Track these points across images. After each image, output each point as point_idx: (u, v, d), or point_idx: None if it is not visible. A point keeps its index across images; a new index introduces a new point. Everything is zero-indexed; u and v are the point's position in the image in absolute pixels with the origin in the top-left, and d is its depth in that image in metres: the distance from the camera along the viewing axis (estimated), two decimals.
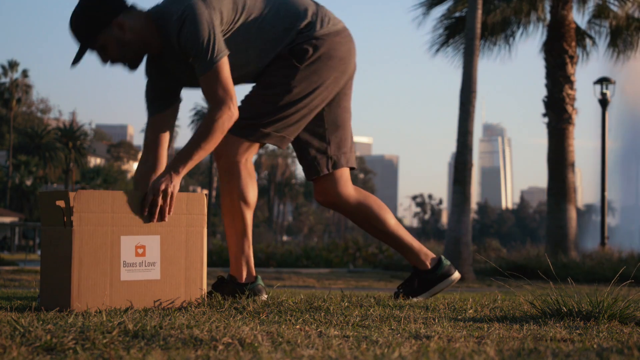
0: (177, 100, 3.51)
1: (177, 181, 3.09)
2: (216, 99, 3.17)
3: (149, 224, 3.05)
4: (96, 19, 3.17)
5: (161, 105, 3.46)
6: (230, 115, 3.18)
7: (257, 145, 3.37)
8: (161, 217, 3.06)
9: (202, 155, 3.16)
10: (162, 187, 3.05)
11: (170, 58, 3.34)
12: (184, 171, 3.12)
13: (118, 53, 3.23)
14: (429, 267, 3.73)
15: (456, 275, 3.77)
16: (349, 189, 3.60)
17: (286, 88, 3.33)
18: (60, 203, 2.96)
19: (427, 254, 3.75)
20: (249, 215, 3.39)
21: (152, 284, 3.05)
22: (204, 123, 3.16)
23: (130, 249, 3.01)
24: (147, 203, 3.03)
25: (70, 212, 2.91)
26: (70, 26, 3.20)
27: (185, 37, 3.16)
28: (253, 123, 3.33)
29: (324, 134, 3.52)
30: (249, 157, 3.37)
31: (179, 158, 3.14)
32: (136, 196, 3.05)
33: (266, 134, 3.34)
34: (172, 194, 3.06)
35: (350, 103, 3.58)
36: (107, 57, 3.24)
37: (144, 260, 3.04)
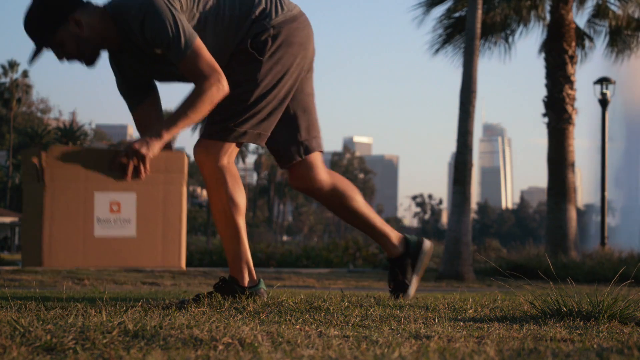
0: (154, 89, 3.46)
1: (156, 144, 3.03)
2: (203, 74, 3.13)
3: (125, 182, 3.00)
4: (53, 16, 3.13)
5: (139, 98, 3.43)
6: (219, 88, 3.14)
7: (235, 149, 3.34)
8: (136, 176, 3.01)
9: (187, 123, 3.12)
10: (136, 147, 3.00)
11: (132, 54, 3.29)
12: (166, 136, 3.07)
13: (75, 49, 3.18)
14: (402, 250, 3.73)
15: (427, 243, 3.78)
16: (324, 174, 3.57)
17: (253, 83, 3.28)
18: (35, 159, 2.95)
19: (397, 235, 3.75)
20: (241, 219, 3.36)
21: (127, 242, 3.01)
22: (193, 93, 3.12)
23: (105, 206, 2.98)
24: (118, 160, 2.99)
25: (43, 168, 2.90)
26: (25, 24, 3.14)
27: (151, 31, 3.11)
28: (228, 125, 3.29)
29: (291, 121, 3.49)
30: (231, 159, 3.34)
31: (163, 124, 3.10)
32: (111, 153, 3.02)
33: (243, 133, 3.30)
34: (146, 155, 3.00)
35: (312, 88, 3.54)
36: (64, 53, 3.19)
37: (118, 217, 3.00)
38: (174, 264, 3.08)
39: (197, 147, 3.34)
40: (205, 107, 3.14)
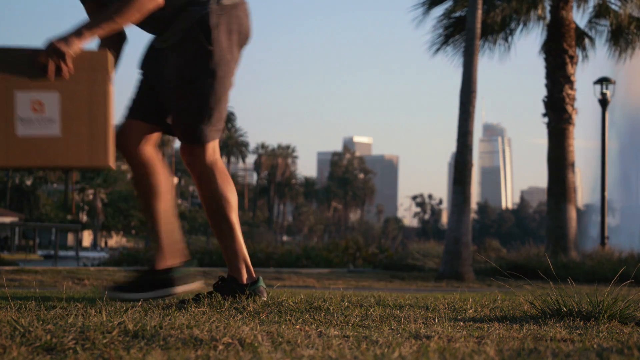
0: None
1: (76, 42, 2.98)
2: None
3: (47, 81, 2.96)
4: None
5: None
6: None
7: (216, 141, 3.32)
8: (58, 75, 2.97)
9: (112, 27, 3.08)
10: (55, 44, 2.95)
11: None
12: (88, 36, 3.01)
13: None
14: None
15: (183, 288, 3.34)
16: (150, 147, 3.37)
17: (209, 75, 3.23)
18: None
19: (178, 252, 3.37)
20: (234, 216, 3.35)
21: (52, 141, 2.97)
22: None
23: (26, 105, 2.95)
24: (38, 59, 2.94)
25: None
26: None
27: None
28: (203, 125, 3.26)
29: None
30: (217, 155, 3.33)
31: (87, 24, 3.05)
32: (31, 52, 2.98)
33: (212, 128, 3.27)
34: (67, 54, 2.95)
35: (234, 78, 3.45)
36: None
37: (42, 116, 2.96)
38: (100, 163, 3.03)
39: (182, 151, 3.33)
40: (133, 14, 3.09)
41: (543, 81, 17.07)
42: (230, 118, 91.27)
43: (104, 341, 2.05)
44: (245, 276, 3.38)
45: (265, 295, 3.38)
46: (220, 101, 3.28)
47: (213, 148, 3.32)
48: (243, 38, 3.35)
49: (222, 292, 3.35)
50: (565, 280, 3.73)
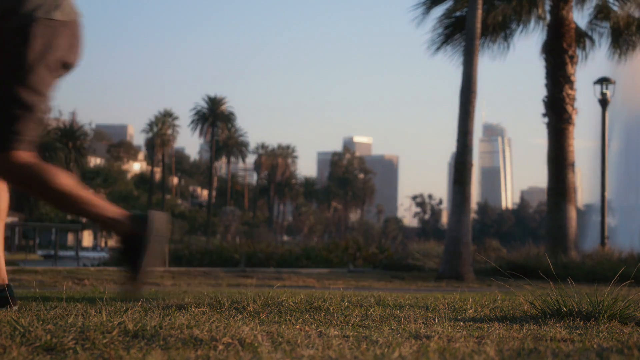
0: None
1: None
2: None
3: None
4: None
5: None
6: None
7: (30, 154, 3.17)
8: None
9: None
10: None
11: None
12: None
13: None
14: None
15: (158, 214, 3.24)
16: None
17: (18, 81, 3.10)
18: None
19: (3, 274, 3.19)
20: (72, 186, 3.16)
21: None
22: None
23: None
24: None
25: None
26: None
27: None
28: (8, 131, 3.12)
29: None
30: (32, 159, 3.15)
31: None
32: None
33: (20, 137, 3.13)
34: None
35: (50, 89, 3.33)
36: None
37: None
38: None
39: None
40: None
41: (543, 81, 17.09)
42: (230, 118, 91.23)
43: (104, 341, 2.05)
44: (125, 223, 3.14)
45: (157, 215, 3.20)
46: (31, 111, 3.17)
47: (26, 157, 3.15)
48: (68, 56, 3.24)
49: (128, 260, 3.06)
50: (565, 280, 3.73)
